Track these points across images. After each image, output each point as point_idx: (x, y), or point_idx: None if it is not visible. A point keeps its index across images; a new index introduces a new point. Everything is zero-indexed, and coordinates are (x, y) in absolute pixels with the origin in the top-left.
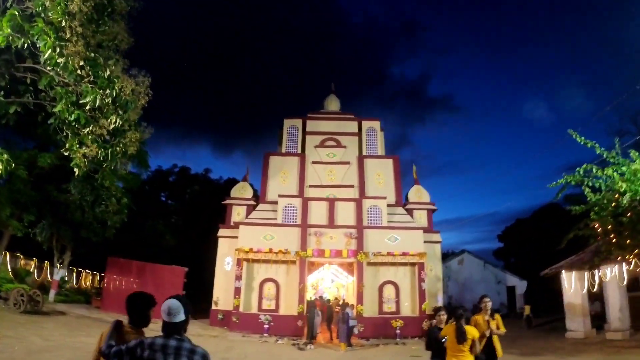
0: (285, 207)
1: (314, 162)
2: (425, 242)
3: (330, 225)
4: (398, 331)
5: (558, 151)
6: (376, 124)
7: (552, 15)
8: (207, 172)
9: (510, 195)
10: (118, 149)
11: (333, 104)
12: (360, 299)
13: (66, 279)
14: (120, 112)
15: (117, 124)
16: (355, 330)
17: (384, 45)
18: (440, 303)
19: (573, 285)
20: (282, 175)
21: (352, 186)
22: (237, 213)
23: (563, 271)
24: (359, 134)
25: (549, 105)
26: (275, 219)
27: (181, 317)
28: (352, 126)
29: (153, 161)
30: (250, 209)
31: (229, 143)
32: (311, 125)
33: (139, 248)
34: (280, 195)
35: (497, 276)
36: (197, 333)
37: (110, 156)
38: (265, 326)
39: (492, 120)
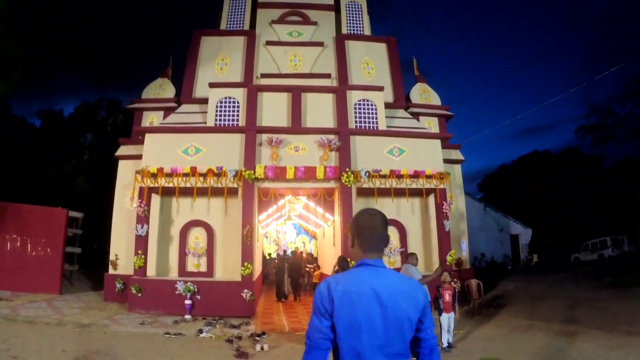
0: (221, 102)
1: (268, 43)
2: None
3: (295, 128)
4: None
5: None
6: None
7: None
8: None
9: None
10: None
11: None
12: (346, 248)
13: None
14: None
15: None
16: None
17: None
18: (464, 253)
19: None
20: (219, 61)
21: (327, 76)
22: (151, 122)
23: None
24: (336, 8)
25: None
26: (205, 122)
27: None
28: None
29: (76, 98)
30: (170, 114)
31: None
32: None
33: (41, 194)
34: (212, 85)
35: (500, 223)
36: (40, 317)
37: None
38: (187, 302)
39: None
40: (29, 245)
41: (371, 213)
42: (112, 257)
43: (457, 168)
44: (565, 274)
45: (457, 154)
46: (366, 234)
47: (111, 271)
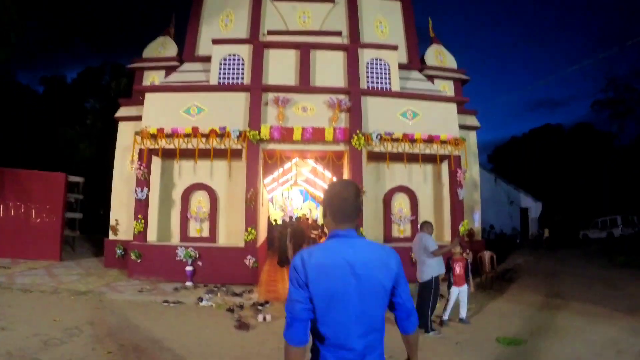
0: (225, 59)
1: None
2: None
3: (303, 87)
4: None
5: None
6: None
7: None
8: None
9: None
10: None
11: None
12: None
13: None
14: None
15: None
16: None
17: None
18: (477, 223)
19: None
20: (223, 18)
21: (338, 34)
22: (152, 82)
23: None
24: None
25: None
26: (208, 81)
27: None
28: None
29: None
30: (172, 73)
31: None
32: None
33: (45, 161)
34: (215, 41)
35: (510, 195)
36: (36, 285)
37: None
38: (188, 269)
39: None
40: (28, 211)
41: (343, 184)
42: (112, 222)
43: (472, 135)
44: (575, 250)
45: (472, 120)
46: (338, 204)
47: (111, 237)
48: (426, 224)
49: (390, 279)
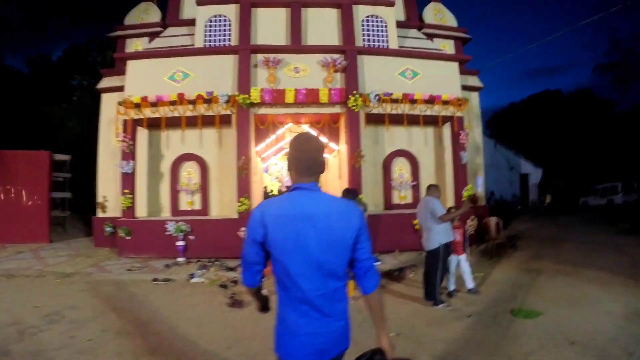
0: (211, 21)
1: None
2: None
3: (294, 47)
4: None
5: None
6: None
7: None
8: None
9: None
10: None
11: None
12: (354, 180)
13: None
14: None
15: None
16: None
17: None
18: (480, 188)
19: None
20: None
21: None
22: (135, 49)
23: None
24: None
25: None
26: (193, 45)
27: None
28: None
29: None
30: (155, 39)
31: None
32: None
33: (32, 141)
34: (200, 2)
35: (510, 161)
36: (21, 269)
37: None
38: (180, 244)
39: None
40: (12, 193)
41: (307, 136)
42: (99, 199)
43: (475, 96)
44: (576, 217)
45: (474, 81)
46: (301, 157)
47: (100, 214)
48: (433, 187)
49: (352, 233)
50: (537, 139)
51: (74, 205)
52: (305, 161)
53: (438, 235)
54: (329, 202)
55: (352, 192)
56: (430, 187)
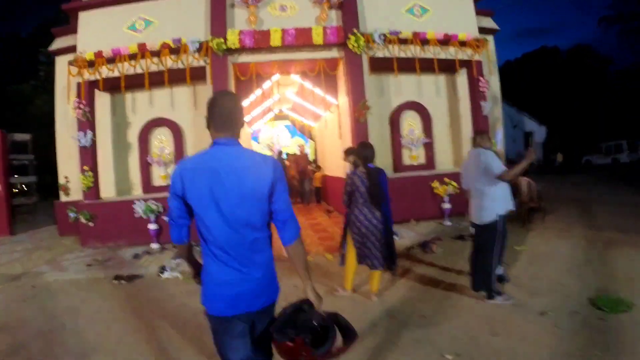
0: None
1: None
2: None
3: None
4: (447, 205)
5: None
6: None
7: None
8: None
9: None
10: None
11: None
12: (358, 139)
13: None
14: None
15: None
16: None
17: None
18: (499, 144)
19: None
20: None
21: None
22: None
23: None
24: None
25: None
26: None
27: None
28: None
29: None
30: None
31: None
32: None
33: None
34: None
35: (514, 119)
36: None
37: None
38: (152, 227)
39: None
40: None
41: (222, 92)
42: (61, 180)
43: (490, 40)
44: (586, 176)
45: (488, 22)
46: (218, 112)
47: (63, 198)
48: (481, 135)
49: (266, 185)
50: (538, 97)
51: (46, 190)
52: (220, 116)
53: (495, 202)
54: (243, 155)
55: (368, 147)
56: (478, 135)
